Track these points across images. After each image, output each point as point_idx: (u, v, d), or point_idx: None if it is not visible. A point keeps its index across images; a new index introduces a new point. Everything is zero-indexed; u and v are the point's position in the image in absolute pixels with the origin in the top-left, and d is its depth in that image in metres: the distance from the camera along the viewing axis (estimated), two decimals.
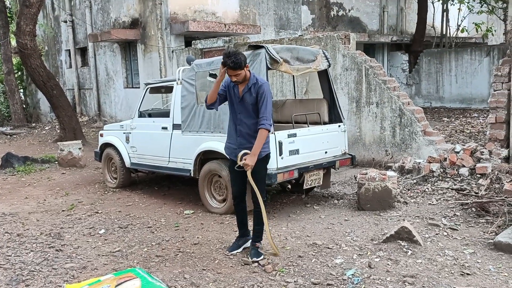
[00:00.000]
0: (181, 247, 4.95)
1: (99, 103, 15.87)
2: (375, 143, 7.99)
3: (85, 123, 15.97)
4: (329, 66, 6.23)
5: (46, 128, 16.73)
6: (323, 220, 5.64)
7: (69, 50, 16.87)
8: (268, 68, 5.52)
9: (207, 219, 5.90)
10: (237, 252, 4.67)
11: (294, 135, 5.69)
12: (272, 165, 5.43)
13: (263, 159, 4.49)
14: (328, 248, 4.68)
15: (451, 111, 16.15)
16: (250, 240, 4.66)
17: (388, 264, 4.18)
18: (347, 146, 6.41)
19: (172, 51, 12.43)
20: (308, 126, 6.00)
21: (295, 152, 5.70)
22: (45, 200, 7.34)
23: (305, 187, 5.96)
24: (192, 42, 11.98)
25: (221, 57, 6.23)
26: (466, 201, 5.42)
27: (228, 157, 4.72)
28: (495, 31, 20.60)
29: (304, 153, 5.82)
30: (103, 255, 4.83)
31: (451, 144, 7.62)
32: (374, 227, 5.24)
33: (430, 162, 6.74)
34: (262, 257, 4.45)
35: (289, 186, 5.79)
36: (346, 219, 5.61)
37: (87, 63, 16.27)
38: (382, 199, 5.70)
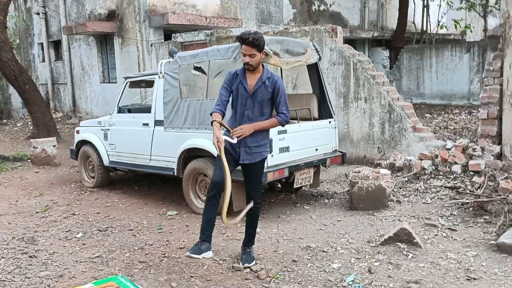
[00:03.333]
0: (166, 251, 4.62)
1: (74, 99, 15.30)
2: (363, 139, 7.79)
3: (59, 119, 15.38)
4: (320, 59, 5.97)
5: (18, 124, 16.07)
6: (314, 220, 5.39)
7: (42, 43, 16.22)
8: None
9: (192, 221, 5.58)
10: (196, 257, 4.16)
11: (284, 131, 5.41)
12: None
13: (263, 160, 4.23)
14: (323, 251, 4.42)
15: (432, 107, 16.13)
16: (242, 244, 4.36)
17: (389, 269, 3.94)
18: (338, 143, 6.18)
19: (151, 45, 12.01)
20: (298, 122, 5.73)
21: (285, 149, 5.43)
22: (17, 201, 6.89)
23: (295, 186, 5.70)
24: (172, 35, 11.59)
25: (206, 49, 5.96)
26: (466, 201, 5.23)
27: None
28: (473, 27, 20.78)
29: (295, 151, 5.56)
30: (81, 262, 4.47)
31: (442, 140, 7.46)
32: (369, 228, 5.01)
33: (421, 159, 6.56)
34: (254, 262, 4.17)
35: (279, 186, 5.51)
36: (339, 219, 5.36)
37: (61, 57, 15.66)
38: (375, 198, 5.48)
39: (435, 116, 13.91)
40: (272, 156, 5.25)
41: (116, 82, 13.38)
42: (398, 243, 4.34)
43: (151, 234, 5.19)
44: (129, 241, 4.99)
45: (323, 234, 4.90)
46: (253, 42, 3.80)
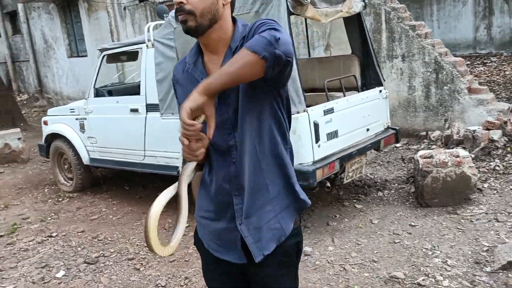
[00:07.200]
0: None
1: (39, 78, 13.43)
2: (401, 107, 6.36)
3: (25, 102, 13.55)
4: (365, 7, 4.45)
5: None
6: (379, 228, 4.00)
7: None
8: (290, 14, 3.69)
9: None
10: None
11: (331, 110, 3.95)
12: (306, 158, 3.71)
13: (296, 252, 1.67)
14: (420, 285, 3.05)
15: None
16: None
17: None
18: (389, 117, 4.75)
19: (124, 8, 10.19)
20: (345, 96, 4.25)
21: (333, 135, 3.97)
22: None
23: (345, 181, 4.28)
24: None
25: None
26: None
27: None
28: None
29: (344, 135, 4.11)
30: None
31: (504, 102, 6.08)
32: (462, 236, 3.65)
33: (488, 129, 5.20)
34: None
35: (329, 185, 4.08)
36: (412, 223, 3.99)
37: (20, 30, 13.66)
38: (456, 190, 4.11)
39: None
40: (319, 146, 3.80)
41: (86, 56, 11.59)
42: None
43: (160, 265, 3.76)
44: (132, 282, 3.55)
45: (402, 252, 3.53)
46: None
